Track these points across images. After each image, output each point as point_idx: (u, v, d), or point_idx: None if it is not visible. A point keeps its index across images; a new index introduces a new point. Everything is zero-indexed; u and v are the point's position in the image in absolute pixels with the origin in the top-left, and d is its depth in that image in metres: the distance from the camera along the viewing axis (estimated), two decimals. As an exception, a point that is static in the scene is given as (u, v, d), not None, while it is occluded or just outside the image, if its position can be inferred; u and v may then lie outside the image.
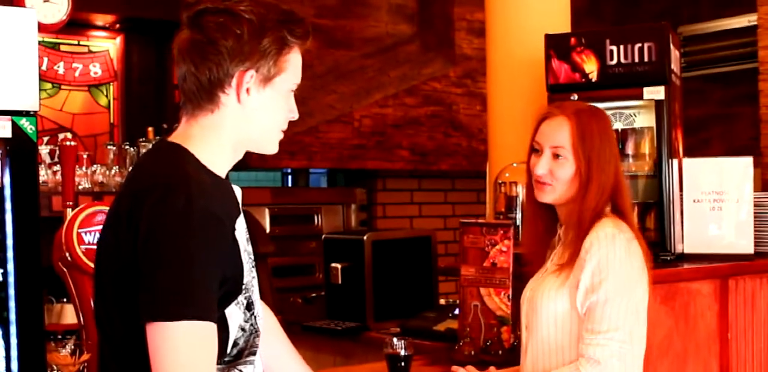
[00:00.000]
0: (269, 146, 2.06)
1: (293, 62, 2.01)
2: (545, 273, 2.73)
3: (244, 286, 1.91)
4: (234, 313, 1.89)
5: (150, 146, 5.33)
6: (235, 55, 1.91)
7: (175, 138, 1.98)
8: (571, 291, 2.59)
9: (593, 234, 2.58)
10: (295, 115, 2.06)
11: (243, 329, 1.93)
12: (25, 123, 2.92)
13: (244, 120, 1.97)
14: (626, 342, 2.52)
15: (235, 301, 1.89)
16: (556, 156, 2.67)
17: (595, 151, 2.63)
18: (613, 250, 2.55)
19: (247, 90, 1.95)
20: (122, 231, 1.83)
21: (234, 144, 1.99)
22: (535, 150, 2.74)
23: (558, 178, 2.66)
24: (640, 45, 3.78)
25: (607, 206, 2.67)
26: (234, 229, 1.90)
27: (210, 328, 1.77)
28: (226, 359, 1.90)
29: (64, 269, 3.36)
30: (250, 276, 1.95)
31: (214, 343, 1.79)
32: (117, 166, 5.40)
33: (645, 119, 3.91)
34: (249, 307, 1.94)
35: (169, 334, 1.73)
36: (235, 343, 1.91)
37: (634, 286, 2.57)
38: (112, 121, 6.57)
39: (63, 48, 6.34)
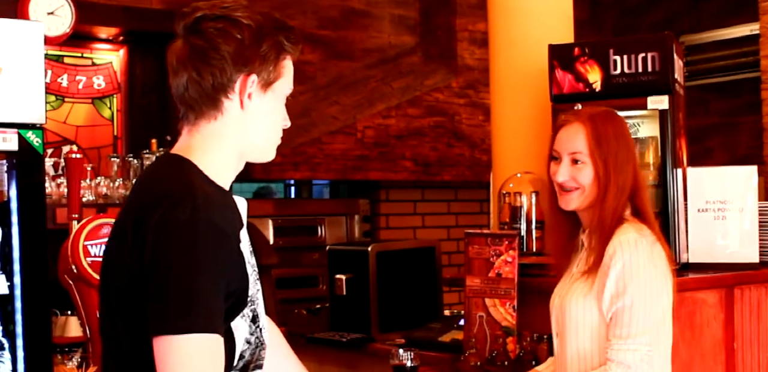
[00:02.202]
0: (268, 153, 2.06)
1: (288, 68, 2.02)
2: (571, 279, 2.74)
3: (249, 299, 1.91)
4: (240, 326, 1.89)
5: (153, 158, 5.34)
6: (237, 59, 1.92)
7: (177, 150, 1.98)
8: (598, 297, 2.61)
9: (615, 240, 2.61)
10: (288, 123, 2.07)
11: (248, 342, 1.92)
12: (31, 136, 2.93)
13: (247, 126, 1.98)
14: (653, 345, 2.56)
15: (241, 314, 1.89)
16: (574, 162, 2.70)
17: (612, 154, 2.67)
18: (637, 255, 2.57)
19: (249, 95, 1.96)
20: (128, 244, 1.83)
21: (237, 152, 1.99)
22: (554, 158, 2.78)
23: (580, 183, 2.69)
24: (643, 55, 3.79)
25: (627, 209, 2.70)
26: (239, 242, 1.90)
27: (217, 341, 1.77)
28: (231, 373, 1.90)
29: (70, 282, 3.36)
30: (254, 288, 1.95)
31: (222, 356, 1.79)
32: (121, 179, 5.40)
33: (649, 129, 3.92)
34: (254, 319, 1.94)
35: (177, 348, 1.72)
36: (241, 356, 1.91)
37: (659, 290, 2.60)
38: (115, 133, 6.57)
39: (67, 60, 6.35)
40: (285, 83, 2.02)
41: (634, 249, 2.58)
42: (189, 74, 1.93)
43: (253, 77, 1.95)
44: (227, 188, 1.98)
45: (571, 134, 2.72)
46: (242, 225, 1.96)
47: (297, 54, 2.04)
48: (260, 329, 1.97)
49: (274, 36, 1.97)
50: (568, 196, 2.72)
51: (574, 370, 2.69)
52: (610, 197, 2.65)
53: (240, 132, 1.97)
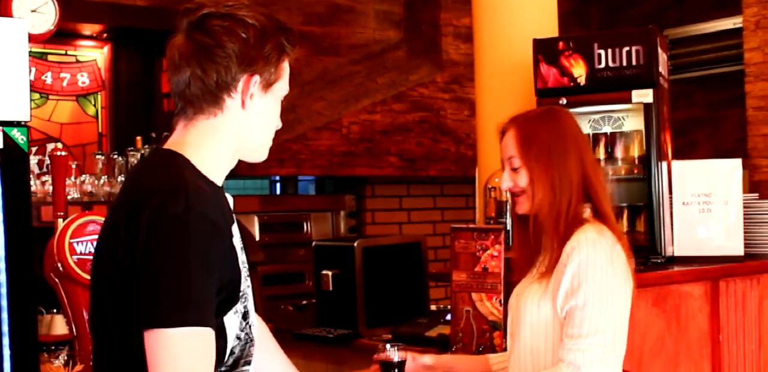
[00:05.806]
0: (262, 153, 2.07)
1: (287, 70, 2.03)
2: (531, 279, 2.72)
3: (241, 293, 1.91)
4: (231, 322, 1.89)
5: (139, 155, 5.33)
6: (243, 59, 1.92)
7: (171, 145, 1.97)
8: (553, 296, 2.57)
9: (574, 239, 2.56)
10: (280, 124, 2.08)
11: (238, 338, 1.92)
12: (16, 133, 2.91)
13: (246, 125, 1.98)
14: (608, 346, 2.49)
15: (234, 310, 1.89)
16: (514, 167, 2.68)
17: (543, 152, 2.62)
18: (594, 255, 2.52)
19: (251, 95, 1.96)
20: (120, 239, 1.82)
21: (232, 149, 1.99)
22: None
23: (521, 187, 2.66)
24: (628, 48, 3.80)
25: (586, 210, 2.65)
26: (231, 236, 1.91)
27: (209, 334, 1.77)
28: (222, 369, 1.90)
29: (56, 280, 3.34)
30: (245, 284, 1.95)
31: (213, 349, 1.79)
32: (106, 176, 5.38)
33: (634, 122, 3.93)
34: (245, 316, 1.94)
35: (169, 341, 1.72)
36: (231, 352, 1.91)
37: (615, 291, 2.54)
38: (100, 130, 6.56)
39: (51, 58, 6.33)
40: (283, 85, 2.03)
41: (592, 248, 2.53)
42: (192, 70, 1.93)
43: (256, 78, 1.95)
44: (219, 185, 1.98)
45: (506, 141, 2.70)
46: (233, 221, 1.97)
47: (294, 56, 2.05)
48: (250, 325, 1.97)
49: (277, 37, 1.98)
50: (518, 201, 2.70)
51: (527, 370, 2.66)
52: (550, 195, 2.60)
53: (238, 131, 1.97)
